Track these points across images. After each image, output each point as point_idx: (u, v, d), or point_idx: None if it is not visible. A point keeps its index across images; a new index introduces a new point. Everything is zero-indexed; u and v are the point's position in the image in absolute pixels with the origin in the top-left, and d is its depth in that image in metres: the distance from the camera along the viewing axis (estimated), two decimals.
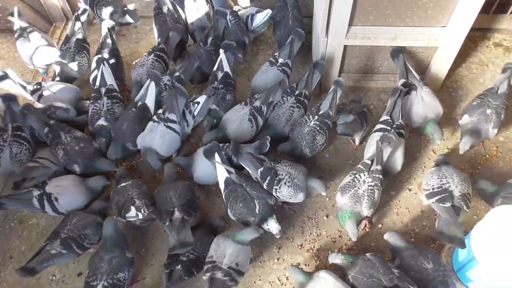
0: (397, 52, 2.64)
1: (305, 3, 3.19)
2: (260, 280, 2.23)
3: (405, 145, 2.36)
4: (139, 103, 2.58)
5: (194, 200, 2.31)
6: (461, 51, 2.67)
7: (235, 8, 3.31)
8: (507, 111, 2.47)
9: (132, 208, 2.16)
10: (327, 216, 2.43)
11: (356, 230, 2.09)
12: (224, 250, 2.02)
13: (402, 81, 2.56)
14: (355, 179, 2.17)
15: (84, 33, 3.09)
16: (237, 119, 2.51)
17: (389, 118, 2.42)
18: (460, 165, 2.56)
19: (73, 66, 2.92)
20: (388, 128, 2.38)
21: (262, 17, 3.15)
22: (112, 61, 2.84)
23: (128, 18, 3.25)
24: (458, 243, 1.99)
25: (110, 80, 2.68)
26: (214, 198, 2.53)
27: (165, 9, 3.15)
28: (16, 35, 2.99)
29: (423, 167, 2.59)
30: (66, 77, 2.92)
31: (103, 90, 2.65)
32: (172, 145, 2.53)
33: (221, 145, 2.38)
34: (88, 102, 2.75)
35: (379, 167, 2.17)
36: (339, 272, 2.05)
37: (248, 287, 2.20)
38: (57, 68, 2.93)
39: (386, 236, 2.11)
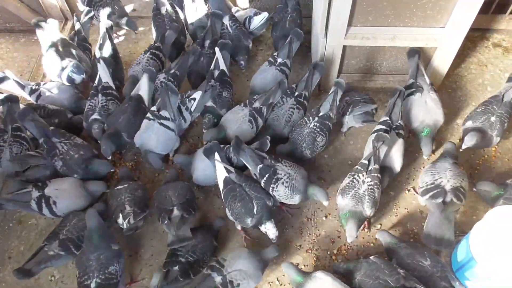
0: (414, 52, 2.63)
1: (305, 4, 3.19)
2: None
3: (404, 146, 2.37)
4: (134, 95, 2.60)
5: (193, 200, 2.31)
6: (460, 52, 2.67)
7: (234, 9, 3.31)
8: (510, 120, 2.46)
9: (121, 215, 2.17)
10: (326, 217, 2.43)
11: (355, 233, 2.09)
12: (237, 264, 2.02)
13: (411, 81, 2.57)
14: (354, 180, 2.17)
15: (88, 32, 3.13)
16: (237, 120, 2.51)
17: (388, 118, 2.42)
18: (459, 166, 2.55)
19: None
20: (387, 128, 2.38)
21: (259, 20, 3.16)
22: (110, 60, 2.84)
23: (124, 22, 3.23)
24: (446, 245, 1.99)
25: (106, 78, 2.68)
26: (213, 198, 2.53)
27: (163, 10, 3.14)
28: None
29: (422, 168, 2.59)
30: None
31: (100, 87, 2.67)
32: (168, 142, 2.52)
33: (222, 146, 2.38)
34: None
35: (376, 166, 2.17)
36: (344, 278, 2.05)
37: None
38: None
39: (377, 235, 2.14)
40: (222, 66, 2.74)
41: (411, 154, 2.63)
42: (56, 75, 2.81)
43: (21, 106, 2.61)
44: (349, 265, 2.07)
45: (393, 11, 2.46)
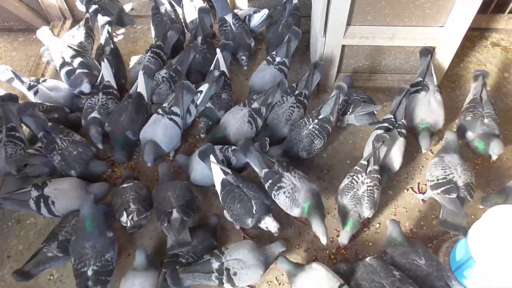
0: (428, 52, 2.62)
1: (304, 3, 3.19)
2: None
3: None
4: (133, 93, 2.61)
5: (193, 201, 2.30)
6: (458, 51, 2.67)
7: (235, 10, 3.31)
8: (498, 116, 2.46)
9: (124, 213, 2.17)
10: (325, 217, 2.42)
11: (345, 240, 2.16)
12: (237, 254, 2.03)
13: (419, 79, 2.58)
14: (353, 181, 2.17)
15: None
16: (237, 121, 2.50)
17: (392, 117, 2.42)
18: None
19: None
20: (390, 126, 2.38)
21: (259, 17, 3.16)
22: (114, 59, 2.84)
23: (123, 20, 3.24)
24: (463, 232, 2.01)
25: (108, 77, 2.70)
26: (212, 198, 2.53)
27: (162, 9, 3.15)
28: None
29: (421, 167, 2.59)
30: None
31: (101, 86, 2.69)
32: (173, 138, 2.51)
33: (221, 146, 2.38)
34: (84, 99, 2.76)
35: (376, 167, 2.17)
36: (344, 278, 2.04)
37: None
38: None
39: (388, 223, 2.14)
40: (223, 67, 2.74)
41: (410, 154, 2.62)
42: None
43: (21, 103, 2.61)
44: (349, 267, 2.07)
45: (392, 11, 2.46)
